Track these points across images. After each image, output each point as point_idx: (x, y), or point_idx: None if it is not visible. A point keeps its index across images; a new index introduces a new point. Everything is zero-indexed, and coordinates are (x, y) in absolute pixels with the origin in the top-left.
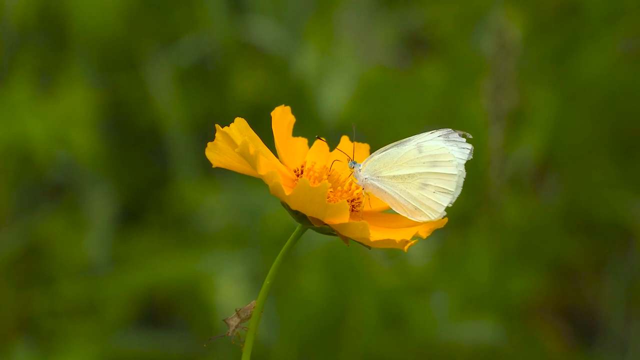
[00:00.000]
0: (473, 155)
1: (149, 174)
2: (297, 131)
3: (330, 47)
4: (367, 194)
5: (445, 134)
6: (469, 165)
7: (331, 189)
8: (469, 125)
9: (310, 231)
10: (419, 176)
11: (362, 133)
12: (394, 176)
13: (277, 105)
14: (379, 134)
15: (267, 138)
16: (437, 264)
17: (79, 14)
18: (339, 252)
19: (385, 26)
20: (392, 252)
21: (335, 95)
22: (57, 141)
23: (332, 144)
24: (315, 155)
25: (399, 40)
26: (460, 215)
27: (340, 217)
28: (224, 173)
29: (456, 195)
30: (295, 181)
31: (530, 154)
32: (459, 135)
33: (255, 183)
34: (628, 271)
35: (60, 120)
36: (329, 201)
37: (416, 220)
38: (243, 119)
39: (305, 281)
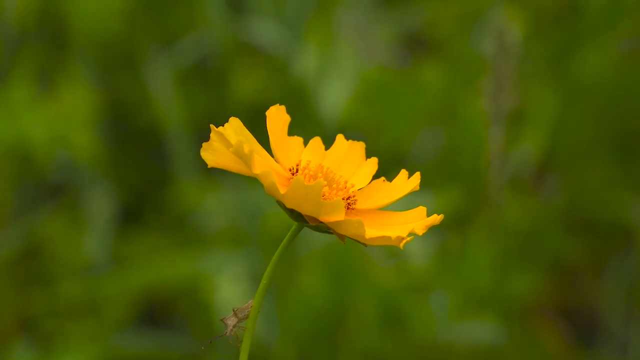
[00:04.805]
0: (473, 155)
1: (149, 174)
2: (297, 131)
3: (330, 47)
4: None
5: None
6: (469, 165)
7: (326, 187)
8: (469, 125)
9: (310, 231)
10: None
11: (362, 133)
12: None
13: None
14: (378, 134)
15: (267, 138)
16: (437, 264)
17: (79, 14)
18: (339, 252)
19: (385, 26)
20: (392, 252)
21: (335, 95)
22: (57, 141)
23: (331, 144)
24: (310, 154)
25: (399, 40)
26: (460, 215)
27: (335, 215)
28: (223, 173)
29: None
30: (291, 180)
31: (530, 154)
32: None
33: (255, 183)
34: (628, 271)
35: (60, 120)
36: (324, 199)
37: None
38: (237, 119)
39: (305, 281)
